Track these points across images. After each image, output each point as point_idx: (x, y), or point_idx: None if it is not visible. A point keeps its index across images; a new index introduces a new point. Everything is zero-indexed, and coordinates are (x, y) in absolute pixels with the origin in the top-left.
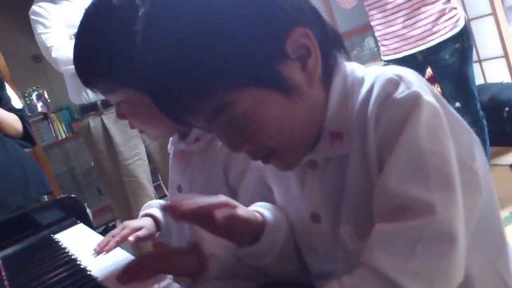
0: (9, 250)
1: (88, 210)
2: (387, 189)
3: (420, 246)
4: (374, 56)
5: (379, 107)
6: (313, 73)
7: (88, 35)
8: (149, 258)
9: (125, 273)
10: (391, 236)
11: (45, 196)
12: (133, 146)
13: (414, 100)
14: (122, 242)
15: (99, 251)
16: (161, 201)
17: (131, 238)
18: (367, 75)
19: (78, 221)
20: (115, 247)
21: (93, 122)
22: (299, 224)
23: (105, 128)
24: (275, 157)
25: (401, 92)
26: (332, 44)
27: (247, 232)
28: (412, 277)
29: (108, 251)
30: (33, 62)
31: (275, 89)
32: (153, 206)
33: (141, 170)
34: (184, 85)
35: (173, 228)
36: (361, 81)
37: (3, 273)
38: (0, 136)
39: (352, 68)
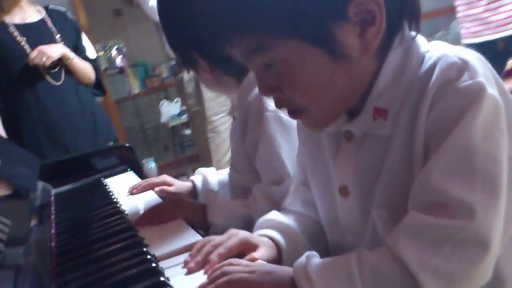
0: (63, 188)
1: (153, 165)
2: (429, 182)
3: (448, 245)
4: (459, 40)
5: (437, 92)
6: (371, 43)
7: None
8: (163, 205)
9: (143, 218)
10: (422, 228)
11: (111, 143)
12: (221, 103)
13: (477, 92)
14: (149, 189)
15: (131, 192)
16: (210, 170)
17: (156, 188)
18: (429, 52)
19: (129, 169)
20: (142, 191)
21: (187, 76)
22: (326, 196)
23: (197, 83)
24: (303, 114)
25: (464, 80)
26: (405, 15)
27: None
28: (431, 273)
29: (134, 194)
30: (113, 16)
31: (322, 49)
32: (201, 173)
33: (225, 127)
34: (226, 14)
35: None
36: (421, 58)
37: (53, 207)
38: (74, 83)
39: (415, 42)
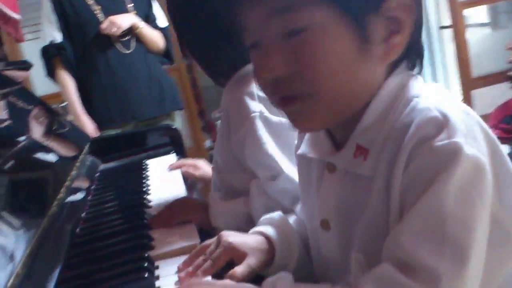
0: (110, 165)
1: None
2: (400, 241)
3: None
4: None
5: (414, 147)
6: (393, 51)
7: None
8: (172, 208)
9: (156, 220)
10: (392, 284)
11: (175, 112)
12: None
13: (453, 153)
14: (177, 168)
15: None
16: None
17: (183, 168)
18: (418, 98)
19: (173, 152)
20: (175, 168)
21: None
22: (310, 228)
23: None
24: (297, 103)
25: (440, 139)
26: (418, 46)
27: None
28: None
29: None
30: None
31: (354, 30)
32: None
33: None
34: None
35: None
36: (408, 103)
37: (93, 186)
38: (143, 52)
39: (411, 80)
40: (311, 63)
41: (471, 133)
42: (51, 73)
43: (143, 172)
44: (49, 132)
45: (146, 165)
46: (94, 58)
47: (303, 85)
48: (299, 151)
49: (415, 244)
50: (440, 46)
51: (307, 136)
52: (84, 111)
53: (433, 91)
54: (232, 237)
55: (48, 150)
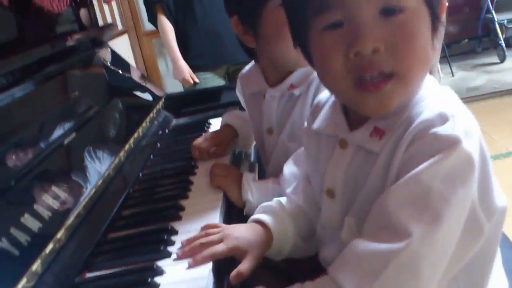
0: (180, 120)
1: None
2: (385, 204)
3: (385, 272)
4: None
5: (418, 132)
6: (434, 45)
7: None
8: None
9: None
10: (363, 256)
11: None
12: None
13: (451, 143)
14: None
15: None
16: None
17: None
18: (429, 95)
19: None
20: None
21: None
22: (317, 195)
23: None
24: (388, 82)
25: (444, 129)
26: None
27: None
28: None
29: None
30: None
31: (430, 16)
32: (228, 115)
33: None
34: None
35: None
36: (422, 97)
37: (161, 141)
38: None
39: (427, 79)
40: (411, 41)
41: (470, 134)
42: (152, 18)
43: (203, 133)
44: (129, 87)
45: (209, 124)
46: (192, 4)
47: (397, 62)
48: (314, 126)
49: (400, 206)
50: None
51: (322, 113)
52: (180, 55)
53: (444, 91)
54: (235, 233)
55: (126, 102)
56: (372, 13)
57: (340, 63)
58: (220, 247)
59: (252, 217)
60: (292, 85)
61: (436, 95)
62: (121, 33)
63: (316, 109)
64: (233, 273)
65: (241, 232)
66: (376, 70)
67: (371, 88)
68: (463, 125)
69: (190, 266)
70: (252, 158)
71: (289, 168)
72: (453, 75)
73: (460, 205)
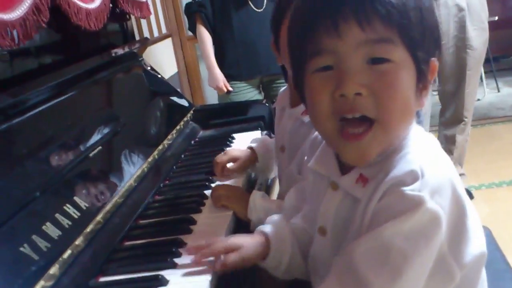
0: (207, 132)
1: None
2: (352, 253)
3: None
4: None
5: (390, 187)
6: (422, 101)
7: None
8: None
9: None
10: None
11: None
12: None
13: (415, 204)
14: (220, 171)
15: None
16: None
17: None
18: (410, 148)
19: (259, 128)
20: (220, 176)
21: None
22: (311, 228)
23: None
24: (367, 130)
25: (411, 190)
26: None
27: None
28: None
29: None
30: None
31: (415, 71)
32: (257, 141)
33: None
34: None
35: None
36: (402, 150)
37: (185, 153)
38: None
39: (413, 131)
40: (388, 89)
41: (439, 191)
42: (192, 27)
43: (224, 148)
44: (160, 99)
45: (233, 138)
46: (229, 15)
47: (378, 108)
48: (310, 164)
49: (363, 258)
50: None
51: (317, 153)
52: (216, 64)
53: (424, 145)
54: (235, 237)
55: (154, 114)
56: (359, 61)
57: (327, 103)
58: (219, 245)
59: (257, 228)
60: (306, 111)
61: (416, 149)
62: (165, 37)
63: (313, 145)
64: (218, 261)
65: (241, 236)
66: (358, 112)
67: (352, 138)
68: (433, 183)
69: (193, 261)
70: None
71: (290, 201)
72: (498, 91)
73: (422, 262)
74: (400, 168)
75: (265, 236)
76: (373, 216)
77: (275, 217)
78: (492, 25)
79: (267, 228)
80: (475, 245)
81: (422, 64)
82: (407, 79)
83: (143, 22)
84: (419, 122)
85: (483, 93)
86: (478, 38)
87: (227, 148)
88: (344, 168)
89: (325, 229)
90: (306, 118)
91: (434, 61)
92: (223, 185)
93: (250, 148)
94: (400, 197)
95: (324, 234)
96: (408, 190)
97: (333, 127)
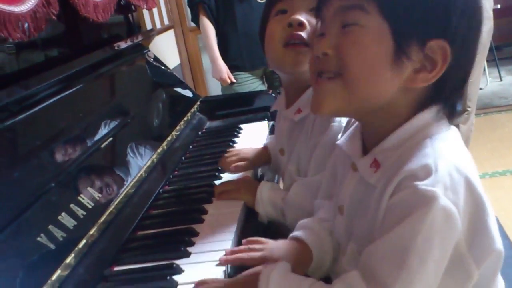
0: (213, 123)
1: None
2: (372, 256)
3: None
4: None
5: (402, 181)
6: (415, 82)
7: None
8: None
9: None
10: None
11: None
12: None
13: (429, 199)
14: (227, 169)
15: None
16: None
17: (232, 167)
18: (428, 143)
19: (266, 119)
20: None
21: None
22: (333, 207)
23: None
24: (330, 82)
25: (424, 184)
26: (458, 96)
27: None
28: None
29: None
30: None
31: (394, 44)
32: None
33: None
34: None
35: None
36: (420, 142)
37: (193, 144)
38: None
39: (438, 127)
40: (349, 48)
41: (453, 188)
42: (195, 18)
43: (232, 139)
44: (166, 91)
45: (240, 129)
46: (232, 6)
47: (337, 63)
48: (338, 142)
49: (382, 262)
50: None
51: (348, 132)
52: (219, 55)
53: (447, 144)
54: (275, 251)
55: (162, 106)
56: (336, 26)
57: (313, 60)
58: (256, 255)
59: (290, 235)
60: (299, 110)
61: (435, 144)
62: (167, 28)
63: (348, 124)
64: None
65: (280, 250)
66: (324, 70)
67: (313, 84)
68: (446, 179)
69: (221, 261)
70: None
71: (295, 197)
72: (501, 79)
73: (437, 261)
74: (416, 160)
75: (303, 244)
76: (387, 210)
77: (310, 220)
78: (495, 13)
79: (302, 234)
80: (494, 244)
81: (403, 39)
82: (375, 44)
83: (145, 13)
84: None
85: (486, 82)
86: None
87: (240, 148)
88: (366, 151)
89: (343, 208)
90: (296, 117)
91: (439, 43)
92: (228, 181)
93: (266, 147)
94: (412, 192)
95: (342, 213)
96: (421, 185)
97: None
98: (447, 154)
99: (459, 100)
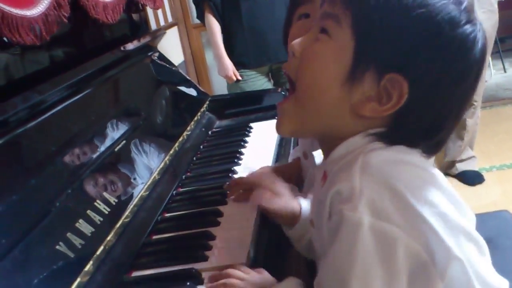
0: (223, 123)
1: None
2: (320, 275)
3: None
4: None
5: (332, 202)
6: (362, 110)
7: None
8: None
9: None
10: None
11: None
12: None
13: (353, 228)
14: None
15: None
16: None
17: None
18: (364, 160)
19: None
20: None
21: None
22: None
23: None
24: (290, 96)
25: (348, 209)
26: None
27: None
28: None
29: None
30: None
31: (352, 63)
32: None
33: None
34: None
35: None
36: (356, 158)
37: (204, 144)
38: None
39: (378, 147)
40: (309, 56)
41: (381, 204)
42: (200, 16)
43: (243, 140)
44: (176, 91)
45: (250, 128)
46: (238, 3)
47: (294, 77)
48: (314, 152)
49: (328, 283)
50: None
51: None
52: (225, 53)
53: (384, 158)
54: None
55: (172, 107)
56: (317, 29)
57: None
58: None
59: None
60: None
61: (367, 160)
62: (171, 25)
63: None
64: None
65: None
66: (287, 70)
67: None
68: (370, 200)
69: None
70: None
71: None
72: (505, 71)
73: (385, 277)
74: (344, 177)
75: (300, 207)
76: (327, 231)
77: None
78: (499, 6)
79: (304, 202)
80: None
81: (363, 62)
82: (334, 60)
83: (149, 11)
84: None
85: (490, 74)
86: (487, 21)
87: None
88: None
89: (313, 221)
90: None
91: (397, 78)
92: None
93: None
94: (340, 219)
95: (313, 225)
96: (346, 209)
97: None
98: (377, 169)
99: (439, 146)
